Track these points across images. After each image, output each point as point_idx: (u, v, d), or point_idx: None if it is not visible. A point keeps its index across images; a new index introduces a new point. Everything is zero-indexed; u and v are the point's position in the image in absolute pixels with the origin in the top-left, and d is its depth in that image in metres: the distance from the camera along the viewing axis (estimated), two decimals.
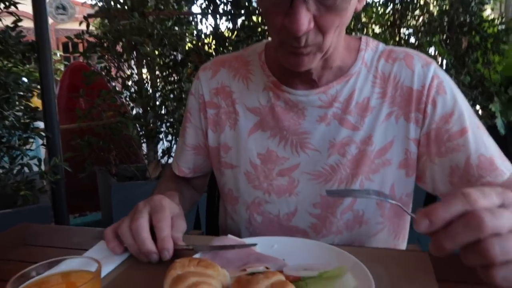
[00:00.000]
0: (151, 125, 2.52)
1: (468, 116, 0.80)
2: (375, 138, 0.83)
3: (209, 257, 0.67)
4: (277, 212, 0.88)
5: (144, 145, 2.73)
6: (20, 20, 2.01)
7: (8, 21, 2.03)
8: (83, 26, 2.55)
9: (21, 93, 1.93)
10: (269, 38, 0.91)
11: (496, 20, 3.72)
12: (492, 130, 0.80)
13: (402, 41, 3.59)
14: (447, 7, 3.58)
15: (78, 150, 2.47)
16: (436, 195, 0.88)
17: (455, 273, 0.65)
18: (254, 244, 0.68)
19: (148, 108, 2.50)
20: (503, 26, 3.66)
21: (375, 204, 0.85)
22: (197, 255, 0.67)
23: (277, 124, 0.87)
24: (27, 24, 2.17)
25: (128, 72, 2.61)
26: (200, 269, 0.54)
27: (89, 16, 2.64)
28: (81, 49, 2.78)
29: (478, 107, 3.47)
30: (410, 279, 0.60)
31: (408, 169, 0.85)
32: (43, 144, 2.09)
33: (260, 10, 2.64)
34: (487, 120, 3.32)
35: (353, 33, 3.32)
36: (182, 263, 0.55)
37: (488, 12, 4.06)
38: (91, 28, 2.58)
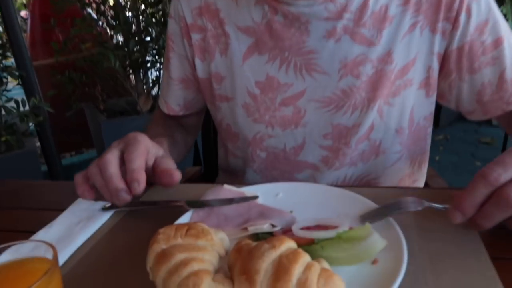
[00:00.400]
0: (135, 54, 2.30)
1: (503, 25, 0.69)
2: (396, 55, 0.70)
3: (204, 214, 0.57)
4: (283, 146, 0.78)
5: (131, 77, 2.54)
6: None
7: None
8: None
9: None
10: None
11: None
12: None
13: None
14: None
15: (60, 87, 2.29)
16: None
17: None
18: (256, 197, 0.57)
19: (129, 36, 2.26)
20: None
21: (394, 132, 0.76)
22: (188, 213, 0.57)
23: (276, 44, 0.73)
24: None
25: None
26: (189, 240, 0.43)
27: None
28: None
29: None
30: (444, 230, 0.49)
31: (428, 89, 0.74)
32: (18, 84, 1.92)
33: None
34: None
35: None
36: (166, 234, 0.43)
37: None
38: None
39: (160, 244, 0.43)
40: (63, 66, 2.38)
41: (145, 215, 0.62)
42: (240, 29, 0.76)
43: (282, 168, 0.80)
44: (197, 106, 0.92)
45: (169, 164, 0.61)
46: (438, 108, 0.81)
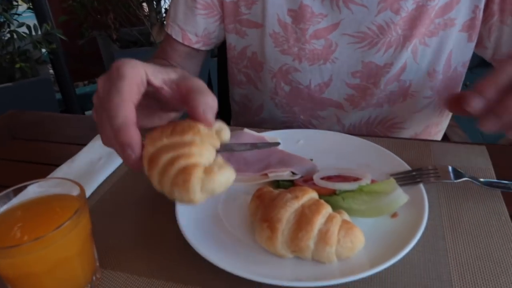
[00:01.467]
0: None
1: None
2: None
3: (224, 158, 0.57)
4: (308, 82, 0.75)
5: (144, 5, 2.43)
6: None
7: None
8: None
9: None
10: None
11: None
12: None
13: None
14: None
15: (72, 13, 2.22)
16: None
17: None
18: (278, 144, 0.56)
19: None
20: None
21: (426, 75, 0.72)
22: None
23: None
24: None
25: None
26: (175, 139, 0.37)
27: None
28: None
29: None
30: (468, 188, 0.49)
31: (472, 32, 0.69)
32: (29, 8, 1.85)
33: None
34: None
35: None
36: (152, 138, 0.37)
37: None
38: None
39: (147, 149, 0.37)
40: None
41: None
42: None
43: (305, 104, 0.78)
44: (213, 41, 0.83)
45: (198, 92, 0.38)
46: None
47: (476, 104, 0.41)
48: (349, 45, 0.70)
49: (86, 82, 3.09)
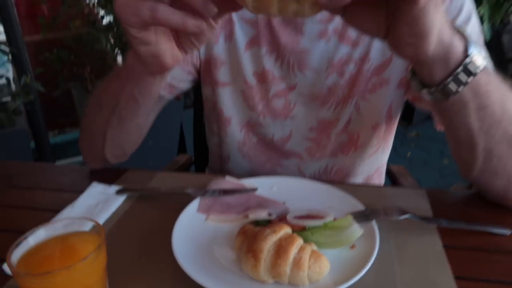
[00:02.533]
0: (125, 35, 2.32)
1: (471, 31, 0.72)
2: (372, 54, 0.77)
3: (209, 202, 0.66)
4: (271, 135, 0.86)
5: (119, 58, 2.55)
6: None
7: None
8: None
9: None
10: None
11: None
12: None
13: None
14: None
15: (47, 65, 2.30)
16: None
17: (452, 210, 0.67)
18: (255, 189, 0.67)
19: None
20: None
21: (370, 127, 0.83)
22: (196, 200, 0.66)
23: (274, 41, 0.79)
24: None
25: None
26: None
27: None
28: None
29: None
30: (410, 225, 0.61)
31: (407, 88, 0.80)
32: (9, 60, 1.92)
33: None
34: None
35: None
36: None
37: None
38: None
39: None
40: (51, 43, 2.37)
41: (155, 201, 0.71)
42: (244, 20, 0.81)
43: (270, 155, 0.88)
44: (179, 87, 0.85)
45: None
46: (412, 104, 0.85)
47: None
48: (305, 104, 0.82)
49: (56, 132, 3.09)
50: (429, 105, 0.62)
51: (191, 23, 0.48)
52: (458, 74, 0.51)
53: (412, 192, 0.72)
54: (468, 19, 0.71)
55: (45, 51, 2.30)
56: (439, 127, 0.74)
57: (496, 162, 0.59)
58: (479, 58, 0.51)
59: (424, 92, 0.55)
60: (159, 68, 0.57)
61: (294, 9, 0.44)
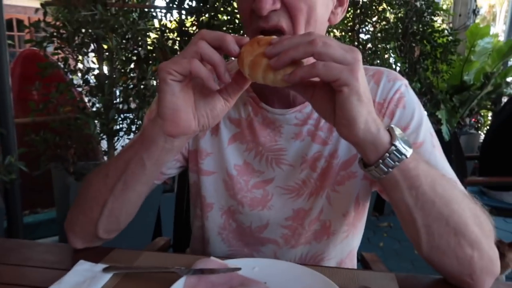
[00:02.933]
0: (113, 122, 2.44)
1: (424, 134, 0.84)
2: (340, 151, 0.87)
3: (195, 280, 0.70)
4: (249, 223, 0.92)
5: (103, 141, 2.64)
6: None
7: None
8: (33, 3, 2.38)
9: None
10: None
11: (445, 31, 3.97)
12: (437, 136, 0.87)
13: (360, 46, 3.73)
14: (402, 15, 3.77)
15: (32, 146, 2.34)
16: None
17: None
18: (239, 269, 0.72)
19: (111, 105, 2.42)
20: (452, 37, 3.92)
21: (341, 215, 0.91)
22: (182, 279, 0.70)
23: (254, 139, 0.91)
24: None
25: (88, 65, 2.51)
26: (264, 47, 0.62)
27: (47, 4, 2.49)
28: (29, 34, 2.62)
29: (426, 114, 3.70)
30: None
31: (371, 181, 0.89)
32: None
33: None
34: (433, 126, 3.55)
35: None
36: (247, 51, 0.64)
37: (439, 22, 4.31)
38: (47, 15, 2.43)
39: (247, 58, 0.62)
40: (37, 125, 2.45)
41: (141, 279, 0.74)
42: (229, 119, 0.92)
43: (248, 241, 0.93)
44: (167, 173, 0.95)
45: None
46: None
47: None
48: (282, 195, 0.90)
49: (27, 212, 3.02)
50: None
51: (212, 81, 0.65)
52: (385, 159, 0.65)
53: (382, 275, 0.78)
54: (420, 124, 0.85)
55: (31, 133, 2.37)
56: None
57: (438, 239, 0.68)
58: (403, 149, 0.65)
59: (366, 170, 0.68)
60: (173, 126, 0.69)
61: (272, 79, 0.61)
